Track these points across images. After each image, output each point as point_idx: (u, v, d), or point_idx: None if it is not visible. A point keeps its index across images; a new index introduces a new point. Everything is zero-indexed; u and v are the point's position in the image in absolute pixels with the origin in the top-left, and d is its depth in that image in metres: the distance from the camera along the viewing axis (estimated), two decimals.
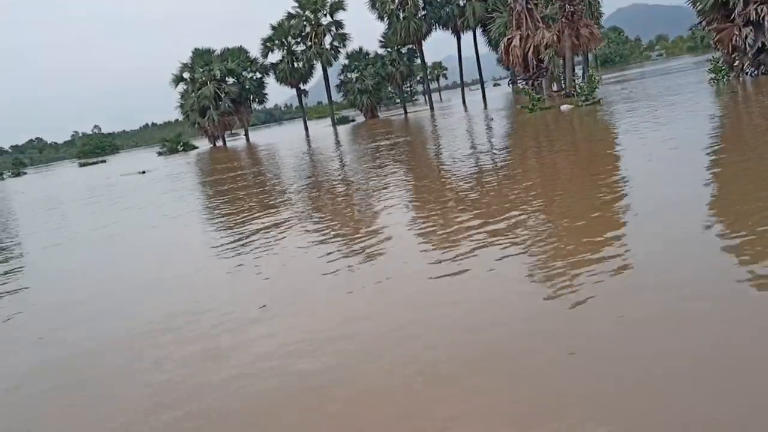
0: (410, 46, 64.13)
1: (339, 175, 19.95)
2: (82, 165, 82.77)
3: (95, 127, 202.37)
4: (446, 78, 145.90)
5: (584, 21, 35.58)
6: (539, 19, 37.43)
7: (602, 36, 36.11)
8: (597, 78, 27.44)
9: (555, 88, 40.78)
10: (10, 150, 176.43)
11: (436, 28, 61.20)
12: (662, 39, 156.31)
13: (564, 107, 28.07)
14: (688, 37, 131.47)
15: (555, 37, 35.55)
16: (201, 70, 63.15)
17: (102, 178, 41.97)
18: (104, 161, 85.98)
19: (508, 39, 37.99)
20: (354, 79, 65.41)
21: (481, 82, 64.69)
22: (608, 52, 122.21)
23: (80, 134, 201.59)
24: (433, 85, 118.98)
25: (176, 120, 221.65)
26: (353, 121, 70.49)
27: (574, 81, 34.70)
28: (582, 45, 36.24)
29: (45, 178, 67.31)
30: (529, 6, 37.30)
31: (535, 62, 37.28)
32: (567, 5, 34.88)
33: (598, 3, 48.40)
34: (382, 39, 64.49)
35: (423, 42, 61.27)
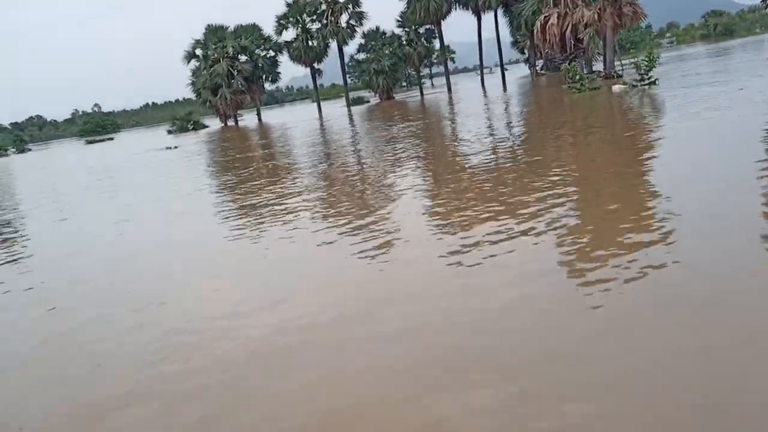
0: (428, 26, 62.39)
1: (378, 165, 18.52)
2: (88, 142, 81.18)
3: (95, 105, 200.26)
4: (454, 62, 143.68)
5: None
6: None
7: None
8: (656, 56, 25.90)
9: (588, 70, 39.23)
10: (9, 127, 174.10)
11: (456, 8, 59.44)
12: (673, 26, 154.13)
13: (616, 87, 26.63)
14: (701, 25, 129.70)
15: (596, 16, 34.03)
16: (214, 46, 61.44)
17: (128, 153, 40.53)
18: (111, 138, 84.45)
19: (545, 17, 36.48)
20: (370, 60, 63.56)
21: (501, 64, 63.05)
22: (619, 38, 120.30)
23: (80, 112, 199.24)
24: (440, 69, 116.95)
25: (176, 100, 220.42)
26: (368, 102, 68.74)
27: (614, 62, 33.25)
28: (624, 24, 34.68)
29: (56, 155, 65.75)
30: None
31: (572, 42, 35.81)
32: None
33: None
34: (399, 18, 62.63)
35: (442, 22, 59.55)
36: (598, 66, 40.31)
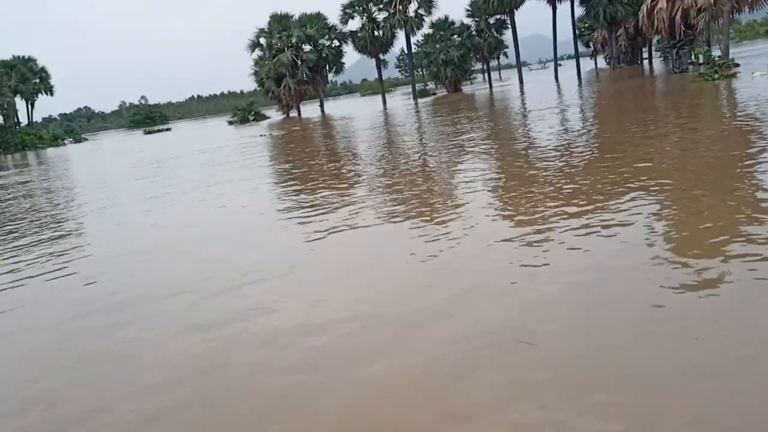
0: (498, 16, 60.16)
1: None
2: (147, 132, 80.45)
3: (142, 97, 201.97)
4: (506, 56, 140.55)
5: None
6: None
7: None
8: None
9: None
10: (59, 118, 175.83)
11: None
12: (734, 21, 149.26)
13: (757, 73, 24.30)
14: (764, 20, 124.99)
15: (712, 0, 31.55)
16: (278, 35, 60.05)
17: (220, 141, 39.11)
18: (169, 129, 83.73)
19: (652, 2, 34.05)
20: (438, 50, 61.50)
21: (577, 57, 60.39)
22: None
23: (127, 104, 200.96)
24: (494, 63, 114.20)
25: (221, 93, 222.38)
26: (434, 94, 66.74)
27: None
28: (741, 8, 32.22)
29: (123, 143, 65.03)
30: None
31: (683, 28, 33.36)
32: None
33: None
34: (469, 8, 60.60)
35: (516, 11, 57.22)
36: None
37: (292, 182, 15.05)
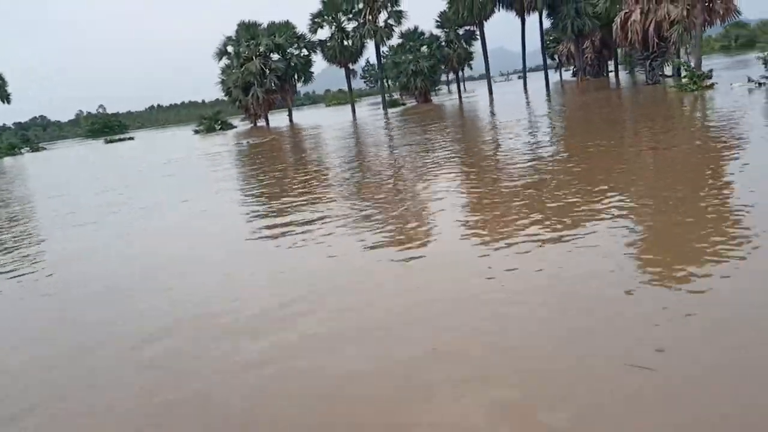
0: (468, 27, 60.39)
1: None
2: (108, 142, 78.58)
3: (100, 106, 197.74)
4: (471, 68, 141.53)
5: None
6: None
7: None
8: None
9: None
10: (13, 127, 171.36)
11: (499, 8, 57.38)
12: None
13: (736, 84, 24.58)
14: (720, 36, 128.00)
15: (684, 12, 31.98)
16: (246, 44, 59.30)
17: (188, 150, 38.10)
18: (132, 138, 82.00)
19: (626, 14, 34.45)
20: (408, 60, 61.39)
21: (545, 69, 60.99)
22: None
23: (84, 113, 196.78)
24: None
25: (182, 102, 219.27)
26: (403, 104, 66.54)
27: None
28: (713, 20, 32.71)
29: (90, 153, 63.34)
30: None
31: (656, 40, 33.76)
32: None
33: None
34: (438, 19, 60.72)
35: (485, 23, 57.42)
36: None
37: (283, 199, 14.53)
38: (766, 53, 24.44)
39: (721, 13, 31.93)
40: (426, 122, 33.58)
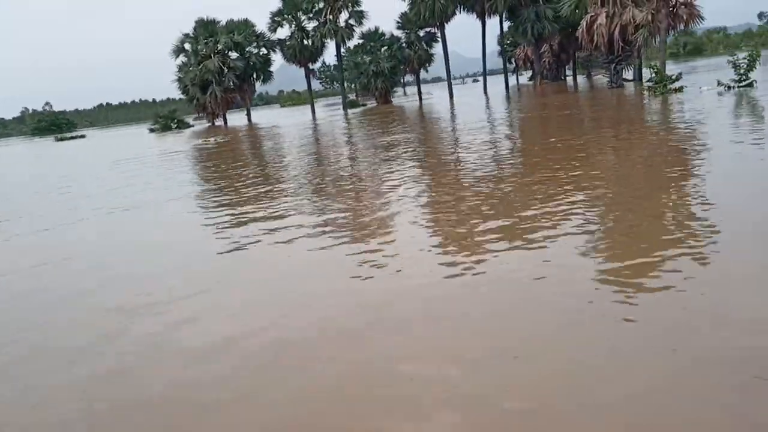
0: (429, 29, 60.30)
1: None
2: (58, 140, 75.96)
3: (47, 104, 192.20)
4: (426, 71, 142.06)
5: None
6: None
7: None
8: (756, 54, 24.25)
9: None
10: None
11: (460, 11, 57.49)
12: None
13: (705, 88, 24.86)
14: (670, 43, 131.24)
15: (649, 17, 32.36)
16: (204, 41, 58.08)
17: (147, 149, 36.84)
18: (83, 136, 79.54)
19: (591, 17, 34.70)
20: (368, 61, 61.03)
21: (505, 72, 61.42)
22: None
23: (30, 110, 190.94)
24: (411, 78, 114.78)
25: (132, 101, 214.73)
26: (363, 105, 66.13)
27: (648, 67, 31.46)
28: (677, 25, 33.21)
29: (43, 151, 61.07)
30: None
31: (621, 44, 34.10)
32: None
33: None
34: (399, 20, 60.43)
35: (446, 25, 57.40)
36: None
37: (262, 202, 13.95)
38: (735, 57, 24.76)
39: (685, 18, 32.44)
40: (392, 124, 33.19)
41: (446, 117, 34.82)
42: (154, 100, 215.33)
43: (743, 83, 24.04)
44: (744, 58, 24.40)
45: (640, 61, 37.55)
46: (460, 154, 16.10)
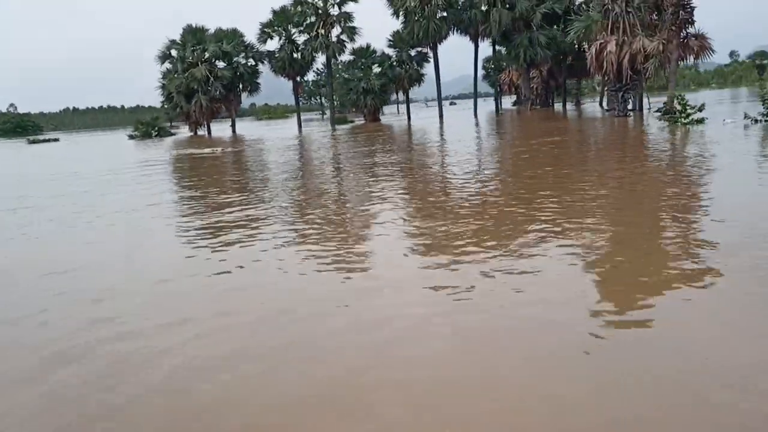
0: (420, 48, 59.89)
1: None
2: (31, 142, 73.39)
3: (11, 105, 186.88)
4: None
5: (694, 31, 32.41)
6: (638, 25, 34.15)
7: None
8: None
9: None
10: None
11: (453, 32, 57.33)
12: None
13: (728, 121, 24.62)
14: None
15: (660, 46, 32.26)
16: (192, 48, 56.76)
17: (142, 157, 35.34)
18: (56, 140, 77.01)
19: (601, 44, 34.47)
20: (359, 78, 60.28)
21: (496, 96, 61.34)
22: None
23: None
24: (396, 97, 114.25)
25: (100, 107, 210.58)
26: (352, 122, 65.28)
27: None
28: (687, 57, 33.21)
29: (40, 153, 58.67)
30: (629, 10, 33.99)
31: (629, 72, 33.95)
32: (681, 12, 31.74)
33: None
34: (391, 38, 59.92)
35: (439, 45, 57.08)
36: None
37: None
38: (765, 90, 24.53)
39: (695, 50, 32.40)
40: (386, 143, 32.41)
41: (434, 138, 34.10)
42: (122, 107, 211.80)
43: None
44: None
45: (641, 91, 37.44)
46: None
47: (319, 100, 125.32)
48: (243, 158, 29.62)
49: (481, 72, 79.50)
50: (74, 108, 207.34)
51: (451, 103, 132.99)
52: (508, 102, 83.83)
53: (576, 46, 57.33)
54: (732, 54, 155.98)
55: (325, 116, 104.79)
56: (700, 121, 25.60)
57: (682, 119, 25.76)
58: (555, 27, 54.47)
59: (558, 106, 62.53)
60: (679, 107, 26.39)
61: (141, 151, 40.84)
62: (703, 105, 26.22)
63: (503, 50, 60.08)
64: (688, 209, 9.82)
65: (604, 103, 60.67)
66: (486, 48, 60.30)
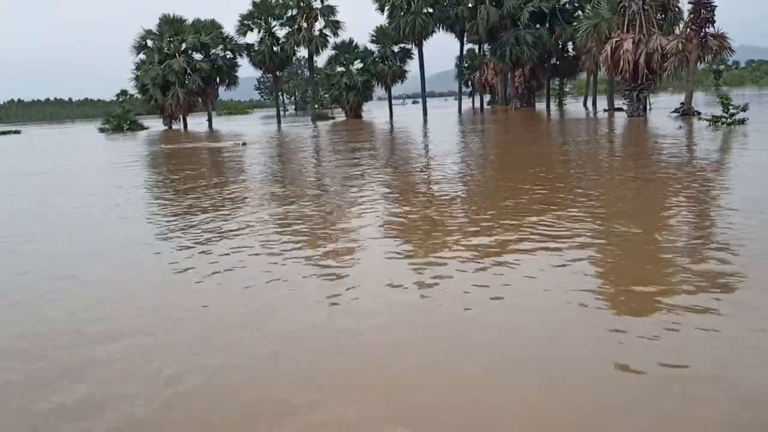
0: (403, 45, 58.61)
1: None
2: None
3: None
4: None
5: (714, 30, 31.97)
6: (655, 24, 33.62)
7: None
8: None
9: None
10: None
11: (439, 29, 56.24)
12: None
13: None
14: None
15: (680, 45, 31.76)
16: (169, 39, 54.27)
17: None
18: (18, 132, 73.01)
19: (617, 42, 33.77)
20: (341, 74, 58.67)
21: (481, 95, 60.59)
22: None
23: None
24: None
25: (47, 99, 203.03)
26: (332, 118, 63.52)
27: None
28: (705, 57, 32.85)
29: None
30: (645, 7, 33.42)
31: (646, 71, 33.38)
32: (702, 10, 31.29)
33: None
34: (374, 34, 58.48)
35: (424, 41, 55.89)
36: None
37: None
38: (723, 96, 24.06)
39: (714, 49, 32.00)
40: (371, 139, 31.10)
41: (418, 135, 32.92)
42: (70, 100, 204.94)
43: None
44: None
45: (649, 91, 36.95)
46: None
47: (282, 97, 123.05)
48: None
49: (453, 70, 78.84)
50: (19, 100, 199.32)
51: (414, 102, 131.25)
52: (471, 102, 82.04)
53: (561, 46, 57.50)
54: None
55: (286, 113, 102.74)
56: (742, 121, 24.97)
57: (724, 120, 25.07)
58: (539, 26, 54.08)
59: (540, 106, 61.88)
60: (721, 108, 25.67)
61: (141, 147, 38.39)
62: (747, 105, 25.55)
63: (486, 48, 59.47)
64: None
65: (589, 103, 60.55)
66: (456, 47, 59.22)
